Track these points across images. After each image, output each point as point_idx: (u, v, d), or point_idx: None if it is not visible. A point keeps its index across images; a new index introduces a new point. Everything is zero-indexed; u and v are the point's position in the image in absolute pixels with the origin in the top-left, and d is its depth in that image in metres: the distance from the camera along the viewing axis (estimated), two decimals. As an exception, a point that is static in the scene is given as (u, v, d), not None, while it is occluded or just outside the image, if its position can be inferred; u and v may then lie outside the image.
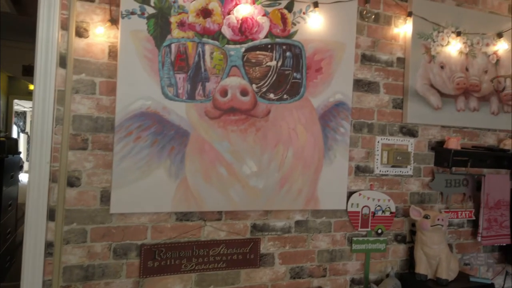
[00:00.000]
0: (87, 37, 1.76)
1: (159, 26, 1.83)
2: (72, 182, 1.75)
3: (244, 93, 1.99)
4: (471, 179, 2.54)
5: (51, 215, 1.71)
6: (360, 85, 2.29)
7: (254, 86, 2.01)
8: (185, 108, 1.89)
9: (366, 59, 2.31)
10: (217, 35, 1.93)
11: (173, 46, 1.86)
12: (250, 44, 2.00)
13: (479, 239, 2.46)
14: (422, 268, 2.18)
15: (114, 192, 1.77)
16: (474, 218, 2.54)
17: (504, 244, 2.53)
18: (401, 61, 2.39)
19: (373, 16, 2.31)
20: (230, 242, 1.99)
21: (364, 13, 2.28)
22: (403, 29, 2.37)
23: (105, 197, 1.79)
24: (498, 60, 2.59)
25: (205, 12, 1.90)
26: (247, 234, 2.04)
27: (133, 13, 1.78)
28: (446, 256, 2.15)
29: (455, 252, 2.51)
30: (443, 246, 2.17)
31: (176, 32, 1.86)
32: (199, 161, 1.92)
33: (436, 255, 2.14)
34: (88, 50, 1.76)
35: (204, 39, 1.91)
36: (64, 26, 1.72)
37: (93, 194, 1.78)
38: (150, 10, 1.81)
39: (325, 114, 2.17)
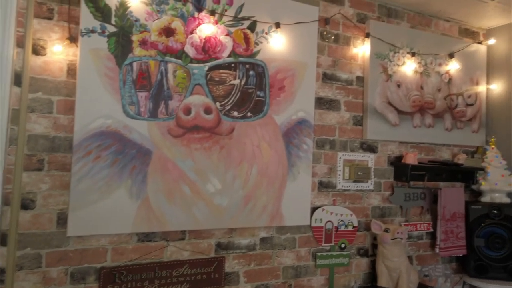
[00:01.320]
0: (45, 55, 1.71)
1: (120, 44, 1.81)
2: (26, 205, 1.67)
3: (207, 111, 2.00)
4: (428, 192, 2.65)
5: (2, 240, 1.62)
6: (322, 103, 2.36)
7: (218, 104, 2.02)
8: (147, 126, 1.87)
9: (327, 77, 2.38)
10: (180, 54, 1.94)
11: (134, 64, 1.84)
12: (214, 62, 2.02)
13: (437, 250, 2.56)
14: (383, 281, 2.24)
15: (71, 214, 1.71)
16: (432, 230, 2.64)
17: (461, 255, 2.63)
18: (360, 79, 2.49)
19: (333, 37, 2.40)
20: (194, 262, 1.97)
21: (325, 33, 2.37)
22: (361, 50, 2.48)
23: (62, 219, 1.72)
24: (450, 79, 2.75)
25: (168, 31, 1.91)
26: (211, 253, 2.02)
27: (93, 31, 1.76)
28: (406, 269, 2.22)
29: (415, 264, 2.60)
30: (403, 259, 2.23)
31: (138, 51, 1.85)
32: (162, 180, 1.89)
33: (397, 268, 2.20)
34: (46, 68, 1.72)
35: (167, 58, 1.91)
36: (20, 43, 1.67)
37: (49, 216, 1.71)
38: (111, 29, 1.79)
39: (289, 132, 2.21)
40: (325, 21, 2.36)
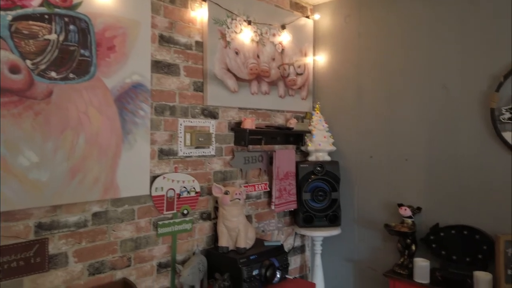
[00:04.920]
0: None
1: None
2: None
3: (14, 70, 1.67)
4: (265, 155, 2.85)
5: None
6: (160, 66, 2.24)
7: (28, 62, 1.71)
8: None
9: (164, 40, 2.26)
10: (-32, -4, 1.54)
11: None
12: (20, 11, 1.68)
13: (272, 207, 2.80)
14: (224, 241, 2.34)
15: None
16: (268, 189, 2.87)
17: (292, 209, 2.95)
18: (199, 44, 2.45)
19: (169, -4, 2.28)
20: (7, 249, 1.67)
21: (160, -8, 2.22)
22: (199, 13, 2.42)
23: None
24: (283, 50, 2.95)
25: None
26: (30, 236, 1.76)
27: None
28: (244, 227, 2.36)
29: (254, 222, 2.80)
30: (241, 218, 2.36)
31: None
32: (-49, 155, 1.52)
33: (235, 227, 2.32)
34: None
35: (-52, -1, 1.50)
36: None
37: None
38: None
39: (122, 96, 2.04)
40: (159, -22, 2.21)
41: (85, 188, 1.90)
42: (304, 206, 2.88)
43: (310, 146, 2.97)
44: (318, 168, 2.90)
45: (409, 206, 2.54)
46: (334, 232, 2.89)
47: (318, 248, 2.98)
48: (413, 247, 2.50)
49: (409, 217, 2.52)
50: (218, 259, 2.32)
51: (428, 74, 2.60)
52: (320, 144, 2.95)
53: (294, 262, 3.16)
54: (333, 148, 3.00)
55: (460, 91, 2.45)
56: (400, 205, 2.58)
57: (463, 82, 2.43)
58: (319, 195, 2.89)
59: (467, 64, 2.42)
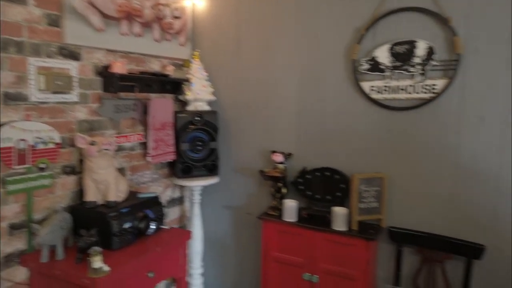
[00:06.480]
0: None
1: None
2: None
3: None
4: (139, 104, 2.65)
5: None
6: (-2, -10, 1.83)
7: None
8: None
9: (2, -43, 1.83)
10: None
11: None
12: None
13: (149, 159, 2.67)
14: (91, 195, 2.15)
15: None
16: (144, 140, 2.71)
17: (171, 160, 2.86)
18: (52, -31, 2.06)
19: None
20: None
21: None
22: None
23: None
24: (158, -12, 2.70)
25: None
26: None
27: None
28: (114, 179, 2.19)
29: (128, 175, 2.63)
30: (110, 170, 2.19)
31: None
32: None
33: (104, 180, 2.15)
34: None
35: None
36: None
37: None
38: None
39: None
40: None
41: None
42: (183, 156, 2.82)
43: (189, 95, 2.86)
44: (197, 118, 2.83)
45: (281, 153, 2.68)
46: (212, 181, 2.91)
47: (197, 198, 2.99)
48: (284, 190, 2.67)
49: (281, 162, 2.67)
50: (85, 215, 2.13)
51: (300, 25, 2.68)
52: (199, 93, 2.87)
53: (173, 213, 3.13)
54: (212, 97, 2.95)
55: (327, 43, 2.59)
56: (274, 152, 2.71)
57: (330, 34, 2.58)
58: (197, 145, 2.85)
59: (334, 16, 2.55)
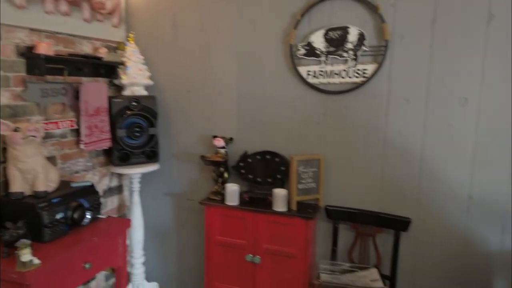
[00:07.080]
0: None
1: None
2: None
3: None
4: (70, 88, 2.49)
5: None
6: None
7: None
8: None
9: None
10: None
11: None
12: None
13: (82, 146, 2.53)
14: (17, 185, 2.00)
15: None
16: (76, 127, 2.56)
17: (107, 148, 2.73)
18: None
19: None
20: None
21: None
22: None
23: None
24: (86, -36, 2.52)
25: None
26: None
27: None
28: (43, 168, 2.05)
29: (59, 163, 2.48)
30: (38, 158, 2.04)
31: None
32: None
33: (31, 169, 2.00)
34: None
35: None
36: None
37: None
38: None
39: None
40: None
41: None
42: (120, 143, 2.71)
43: (124, 79, 2.74)
44: (134, 103, 2.73)
45: (222, 137, 2.68)
46: (152, 168, 2.84)
47: (136, 186, 2.90)
48: (226, 175, 2.69)
49: (223, 147, 2.67)
50: (11, 207, 1.98)
51: (238, 10, 2.67)
52: (136, 77, 2.76)
53: (112, 202, 3.01)
54: (150, 82, 2.85)
55: (265, 28, 2.62)
56: (215, 136, 2.71)
57: (268, 19, 2.60)
58: (135, 132, 2.75)
59: (272, 1, 2.58)
